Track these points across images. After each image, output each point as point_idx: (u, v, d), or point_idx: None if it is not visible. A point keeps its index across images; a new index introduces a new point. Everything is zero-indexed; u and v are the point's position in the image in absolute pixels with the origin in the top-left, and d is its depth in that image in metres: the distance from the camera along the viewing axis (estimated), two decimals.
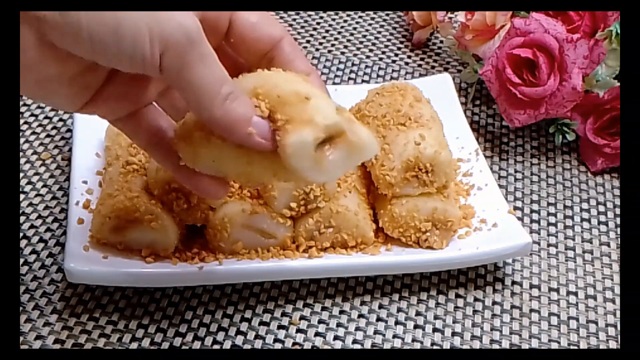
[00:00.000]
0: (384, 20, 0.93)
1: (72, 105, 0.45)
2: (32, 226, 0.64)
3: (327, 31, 0.91)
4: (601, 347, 0.58)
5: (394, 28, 0.92)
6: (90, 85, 0.44)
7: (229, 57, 0.48)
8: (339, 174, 0.45)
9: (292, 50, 0.47)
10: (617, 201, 0.71)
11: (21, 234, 0.63)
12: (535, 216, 0.69)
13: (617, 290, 0.62)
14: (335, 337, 0.57)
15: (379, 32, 0.91)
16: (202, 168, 0.46)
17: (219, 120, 0.41)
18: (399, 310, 0.60)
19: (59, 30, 0.39)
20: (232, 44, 0.48)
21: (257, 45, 0.47)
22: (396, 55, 0.88)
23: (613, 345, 0.58)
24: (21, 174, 0.68)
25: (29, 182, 0.68)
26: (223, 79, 0.42)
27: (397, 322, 0.59)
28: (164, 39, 0.39)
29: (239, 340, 0.57)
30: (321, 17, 0.93)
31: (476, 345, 0.58)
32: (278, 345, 0.57)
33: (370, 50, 0.88)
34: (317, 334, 0.58)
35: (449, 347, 0.57)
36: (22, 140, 0.72)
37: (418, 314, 0.59)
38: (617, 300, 0.62)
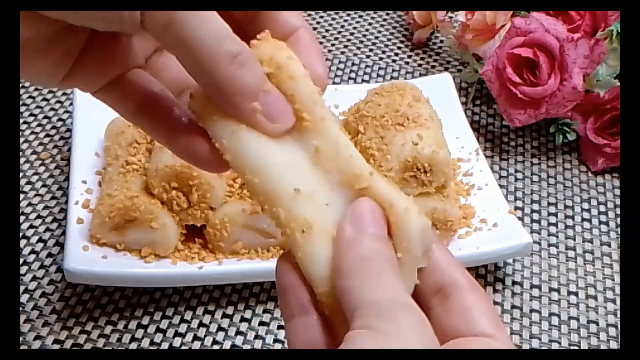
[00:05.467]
0: (384, 20, 0.93)
1: (52, 78, 0.39)
2: (31, 226, 0.64)
3: (327, 31, 0.91)
4: (602, 347, 0.58)
5: (394, 28, 0.92)
6: (68, 52, 0.39)
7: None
8: None
9: (308, 44, 0.40)
10: (618, 201, 0.70)
11: (20, 234, 0.63)
12: (535, 216, 0.69)
13: (618, 290, 0.62)
14: None
15: (379, 32, 0.91)
16: (216, 135, 0.38)
17: (223, 85, 0.35)
18: None
19: None
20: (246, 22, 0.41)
21: (273, 30, 0.39)
22: (396, 55, 0.88)
23: (614, 345, 0.58)
24: (20, 174, 0.68)
25: (28, 182, 0.68)
26: (227, 34, 0.35)
27: None
28: None
29: (239, 340, 0.57)
30: (321, 17, 0.93)
31: None
32: (278, 345, 0.57)
33: (370, 50, 0.88)
34: None
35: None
36: (21, 140, 0.72)
37: None
38: (618, 300, 0.62)
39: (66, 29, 0.37)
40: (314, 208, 0.36)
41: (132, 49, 0.41)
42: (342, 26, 0.92)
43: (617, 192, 0.72)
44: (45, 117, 0.75)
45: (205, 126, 0.37)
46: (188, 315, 0.58)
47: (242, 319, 0.58)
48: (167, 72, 0.42)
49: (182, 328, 0.57)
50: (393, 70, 0.85)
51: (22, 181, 0.68)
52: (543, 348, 0.58)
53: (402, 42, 0.90)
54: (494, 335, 0.34)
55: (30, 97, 0.77)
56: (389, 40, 0.90)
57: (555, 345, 0.58)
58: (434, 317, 0.34)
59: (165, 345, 0.56)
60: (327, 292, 0.35)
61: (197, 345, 0.56)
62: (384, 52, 0.88)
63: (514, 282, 0.62)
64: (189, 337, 0.57)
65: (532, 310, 0.60)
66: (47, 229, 0.64)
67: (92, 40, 0.39)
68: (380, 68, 0.85)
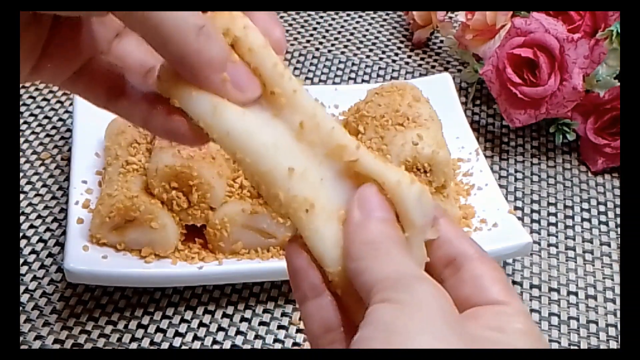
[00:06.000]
0: (384, 20, 0.93)
1: (20, 74, 0.39)
2: (31, 226, 0.64)
3: (327, 31, 0.91)
4: (601, 347, 0.58)
5: (394, 28, 0.92)
6: (33, 45, 0.39)
7: None
8: None
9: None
10: (618, 201, 0.70)
11: (21, 234, 0.63)
12: (535, 216, 0.69)
13: (618, 290, 0.62)
14: None
15: (379, 32, 0.91)
16: (196, 114, 0.37)
17: (192, 58, 0.35)
18: None
19: None
20: None
21: None
22: (396, 55, 0.88)
23: (613, 345, 0.58)
24: (21, 174, 0.68)
25: (29, 182, 0.68)
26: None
27: None
28: None
29: (239, 340, 0.57)
30: (321, 17, 0.93)
31: None
32: (278, 345, 0.57)
33: (370, 50, 0.88)
34: None
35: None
36: (21, 140, 0.72)
37: None
38: (618, 300, 0.62)
39: (29, 21, 0.37)
40: (310, 186, 0.36)
41: (94, 36, 0.41)
42: (342, 26, 0.92)
43: (617, 192, 0.72)
44: (46, 117, 0.75)
45: (181, 105, 0.37)
46: (188, 315, 0.58)
47: (242, 319, 0.58)
48: (130, 56, 0.42)
49: (182, 328, 0.57)
50: (393, 70, 0.85)
51: (23, 181, 0.68)
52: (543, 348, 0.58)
53: (402, 42, 0.90)
54: (507, 302, 0.35)
55: (30, 97, 0.77)
56: (389, 40, 0.90)
57: (555, 345, 0.58)
58: (447, 288, 0.35)
59: (165, 345, 0.56)
60: (338, 272, 0.36)
61: (197, 345, 0.56)
62: (384, 52, 0.88)
63: (513, 282, 0.62)
64: (189, 337, 0.57)
65: (532, 310, 0.60)
66: (48, 229, 0.64)
67: (54, 31, 0.39)
68: (380, 68, 0.85)
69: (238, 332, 0.57)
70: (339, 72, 0.84)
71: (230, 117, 0.36)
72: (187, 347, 0.56)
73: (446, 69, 0.85)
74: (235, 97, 0.36)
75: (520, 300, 0.36)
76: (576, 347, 0.58)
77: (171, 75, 0.37)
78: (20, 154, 0.70)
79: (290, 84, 0.37)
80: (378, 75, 0.84)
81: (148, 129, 0.41)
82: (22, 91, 0.78)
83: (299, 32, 0.90)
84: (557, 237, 0.67)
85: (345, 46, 0.89)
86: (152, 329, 0.57)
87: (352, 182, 0.37)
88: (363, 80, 0.83)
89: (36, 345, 0.55)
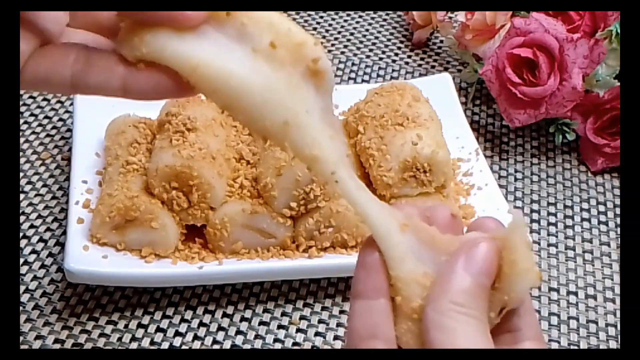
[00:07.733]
0: (384, 20, 0.93)
1: None
2: (32, 226, 0.64)
3: (327, 31, 0.91)
4: (601, 347, 0.58)
5: (394, 28, 0.92)
6: None
7: None
8: None
9: None
10: (617, 201, 0.71)
11: (21, 234, 0.63)
12: (535, 216, 0.69)
13: (617, 290, 0.62)
14: (335, 337, 0.57)
15: (379, 32, 0.91)
16: (179, 67, 0.36)
17: None
18: None
19: None
20: None
21: None
22: (396, 55, 0.88)
23: (613, 345, 0.58)
24: (21, 174, 0.68)
25: (29, 182, 0.68)
26: None
27: None
28: None
29: (239, 340, 0.57)
30: (321, 17, 0.93)
31: None
32: (278, 345, 0.57)
33: (370, 50, 0.88)
34: (317, 334, 0.57)
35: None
36: (22, 140, 0.72)
37: None
38: (617, 300, 0.62)
39: None
40: (305, 131, 0.37)
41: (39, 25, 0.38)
42: (342, 26, 0.92)
43: (617, 192, 0.72)
44: (46, 117, 0.75)
45: (155, 56, 0.36)
46: (188, 315, 0.58)
47: (242, 319, 0.58)
48: (98, 16, 0.40)
49: (183, 328, 0.57)
50: (393, 70, 0.85)
51: (23, 181, 0.68)
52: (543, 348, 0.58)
53: (402, 42, 0.90)
54: None
55: (30, 97, 0.77)
56: (389, 40, 0.90)
57: (555, 345, 0.58)
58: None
59: (165, 345, 0.56)
60: (399, 278, 0.35)
61: (197, 344, 0.56)
62: (384, 52, 0.88)
63: None
64: (189, 336, 0.57)
65: None
66: (48, 229, 0.64)
67: None
68: (380, 68, 0.85)
69: (238, 332, 0.57)
70: (339, 72, 0.84)
71: (211, 71, 0.35)
72: (187, 347, 0.56)
73: (446, 69, 0.85)
74: (182, 20, 0.35)
75: None
76: (576, 347, 0.58)
77: (130, 29, 0.36)
78: (21, 153, 0.70)
79: None
80: (378, 75, 0.84)
81: (130, 92, 0.38)
82: (22, 91, 0.78)
83: None
84: (557, 237, 0.67)
85: (345, 46, 0.89)
86: (152, 328, 0.57)
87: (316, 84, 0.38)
88: (363, 80, 0.83)
89: (36, 345, 0.55)
